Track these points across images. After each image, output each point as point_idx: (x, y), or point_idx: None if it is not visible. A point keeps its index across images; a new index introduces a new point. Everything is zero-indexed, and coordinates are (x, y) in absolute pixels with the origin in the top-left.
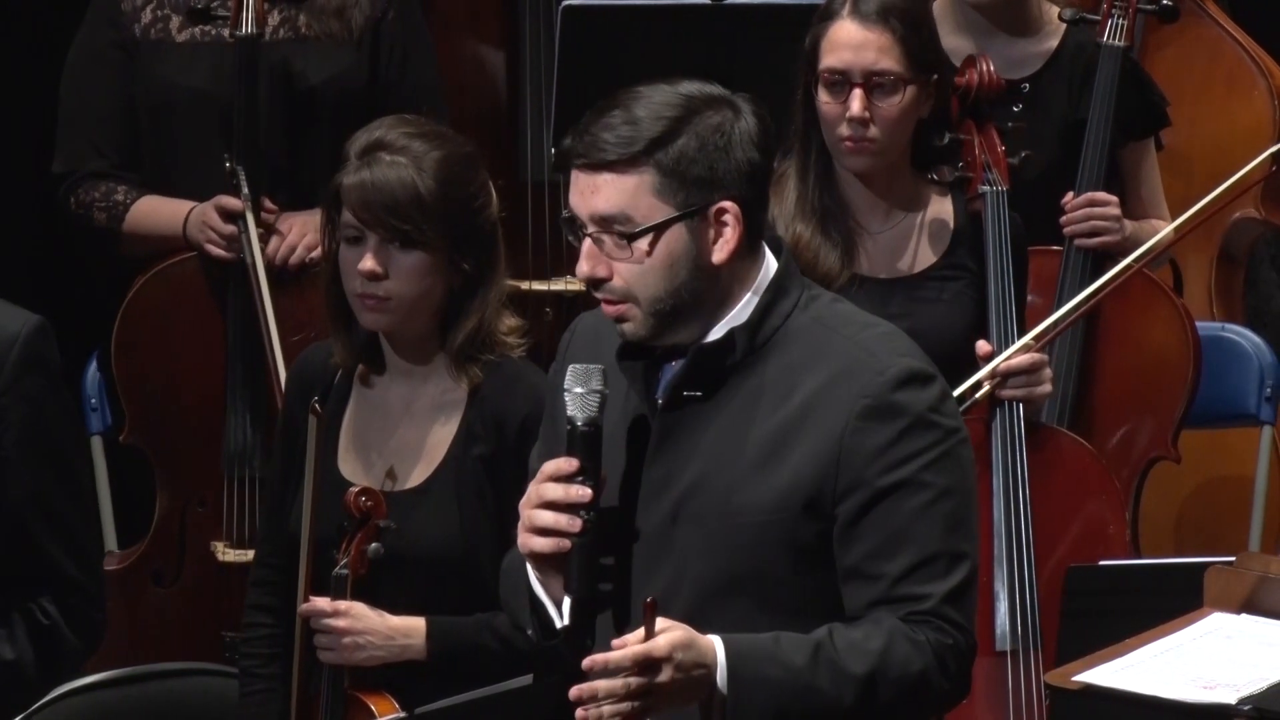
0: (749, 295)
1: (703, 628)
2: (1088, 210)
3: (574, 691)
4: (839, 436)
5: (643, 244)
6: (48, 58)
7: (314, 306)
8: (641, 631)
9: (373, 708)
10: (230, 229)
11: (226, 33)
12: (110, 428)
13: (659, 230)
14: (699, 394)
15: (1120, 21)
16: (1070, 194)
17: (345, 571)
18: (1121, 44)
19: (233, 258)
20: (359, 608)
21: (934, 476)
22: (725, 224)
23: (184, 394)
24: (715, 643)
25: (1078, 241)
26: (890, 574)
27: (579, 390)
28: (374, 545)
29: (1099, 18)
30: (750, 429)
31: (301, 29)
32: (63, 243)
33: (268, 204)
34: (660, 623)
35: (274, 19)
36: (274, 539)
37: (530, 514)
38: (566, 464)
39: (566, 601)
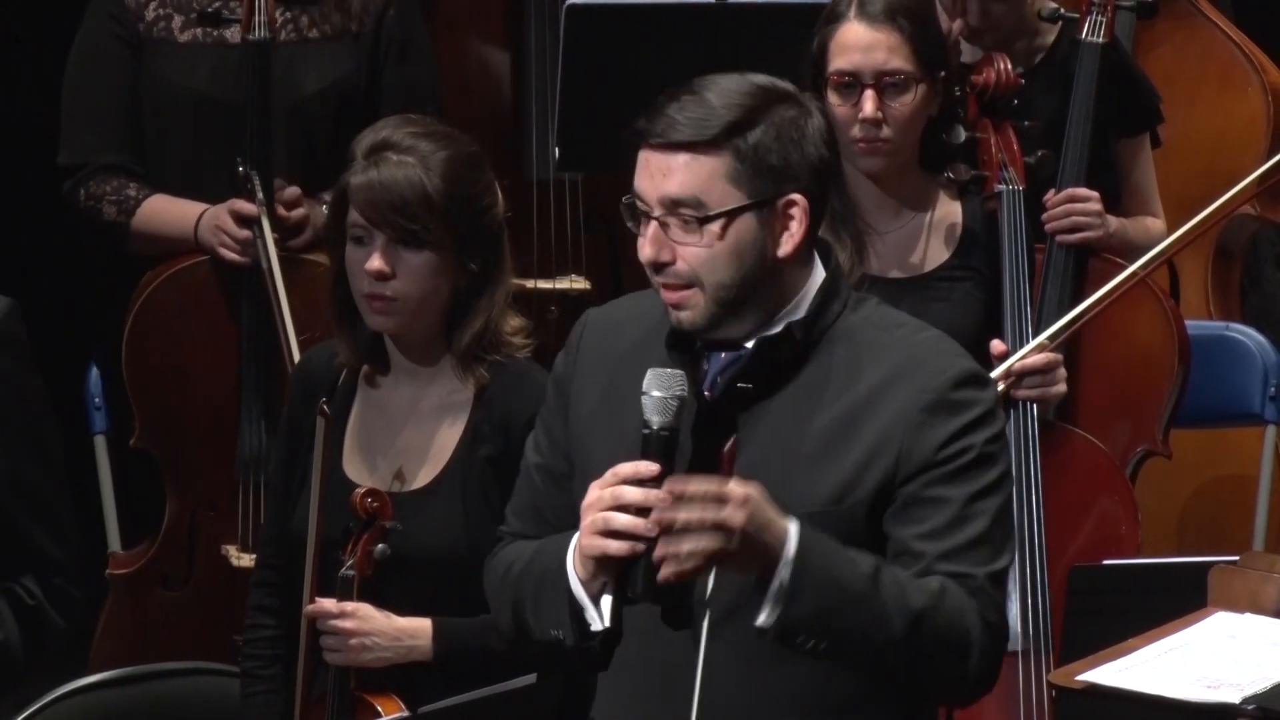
0: (803, 292)
1: (749, 617)
2: (1068, 206)
3: (653, 517)
4: (901, 431)
5: (714, 229)
6: (46, 58)
7: (321, 308)
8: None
9: (379, 708)
10: (245, 233)
11: (229, 34)
12: (111, 428)
13: (731, 216)
14: (749, 386)
15: (1099, 19)
16: (1052, 190)
17: (352, 573)
18: (1101, 40)
19: (247, 262)
20: (365, 609)
21: (987, 471)
22: (793, 217)
23: (195, 398)
24: (791, 523)
25: (1059, 238)
26: (936, 551)
27: (658, 394)
28: (380, 546)
29: (1078, 15)
30: (804, 423)
31: (305, 31)
32: (65, 242)
33: (281, 210)
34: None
35: (278, 20)
36: (277, 540)
37: (606, 516)
38: (647, 468)
39: (606, 601)
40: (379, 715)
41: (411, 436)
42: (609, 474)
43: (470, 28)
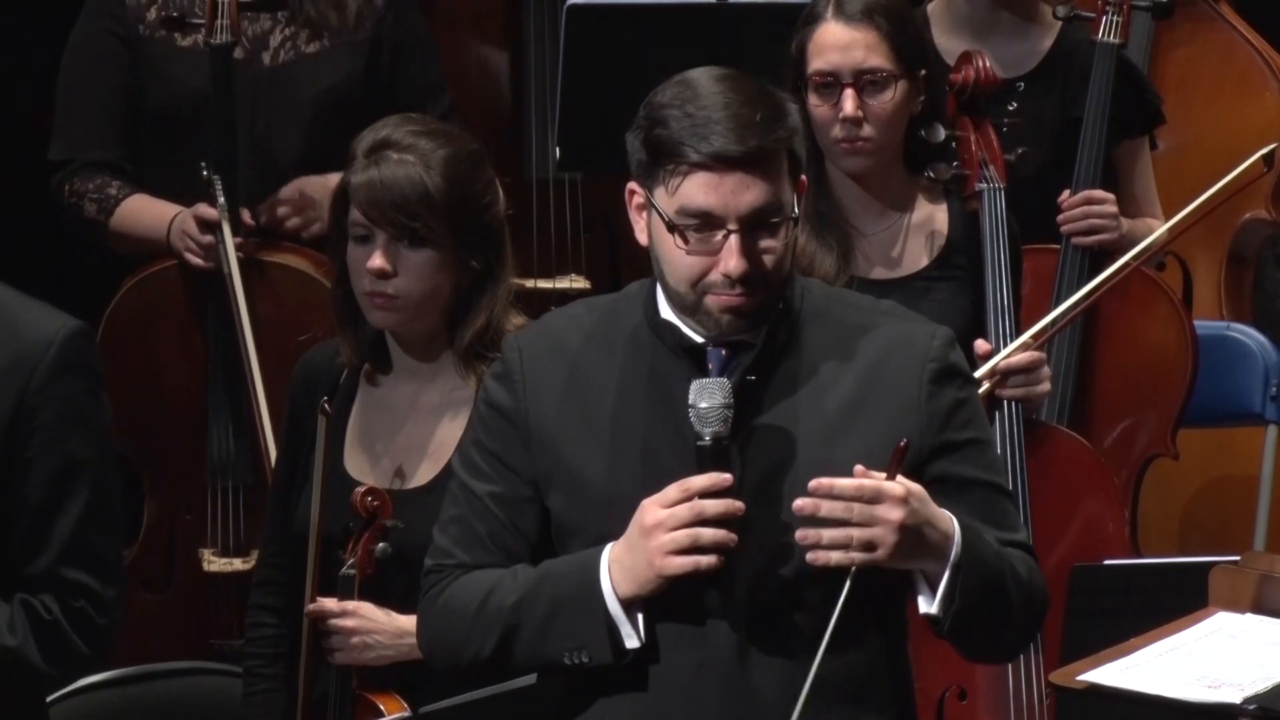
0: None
1: (790, 610)
2: (1085, 209)
3: (798, 504)
4: (918, 402)
5: (790, 225)
6: (48, 58)
7: (293, 316)
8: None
9: (381, 707)
10: (208, 238)
11: (214, 40)
12: None
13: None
14: (754, 378)
15: (1115, 19)
16: (1066, 192)
17: (353, 571)
18: (1116, 41)
19: (210, 267)
20: (366, 607)
21: (986, 429)
22: (801, 201)
23: (167, 402)
24: (948, 514)
25: (1075, 240)
26: (994, 533)
27: (704, 406)
28: (381, 545)
29: (1093, 15)
30: (807, 408)
31: (303, 47)
32: (60, 250)
33: (246, 216)
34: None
35: (275, 39)
36: (279, 539)
37: (693, 533)
38: (721, 479)
39: (640, 618)
40: (381, 714)
41: (413, 434)
42: (675, 489)
43: (470, 27)
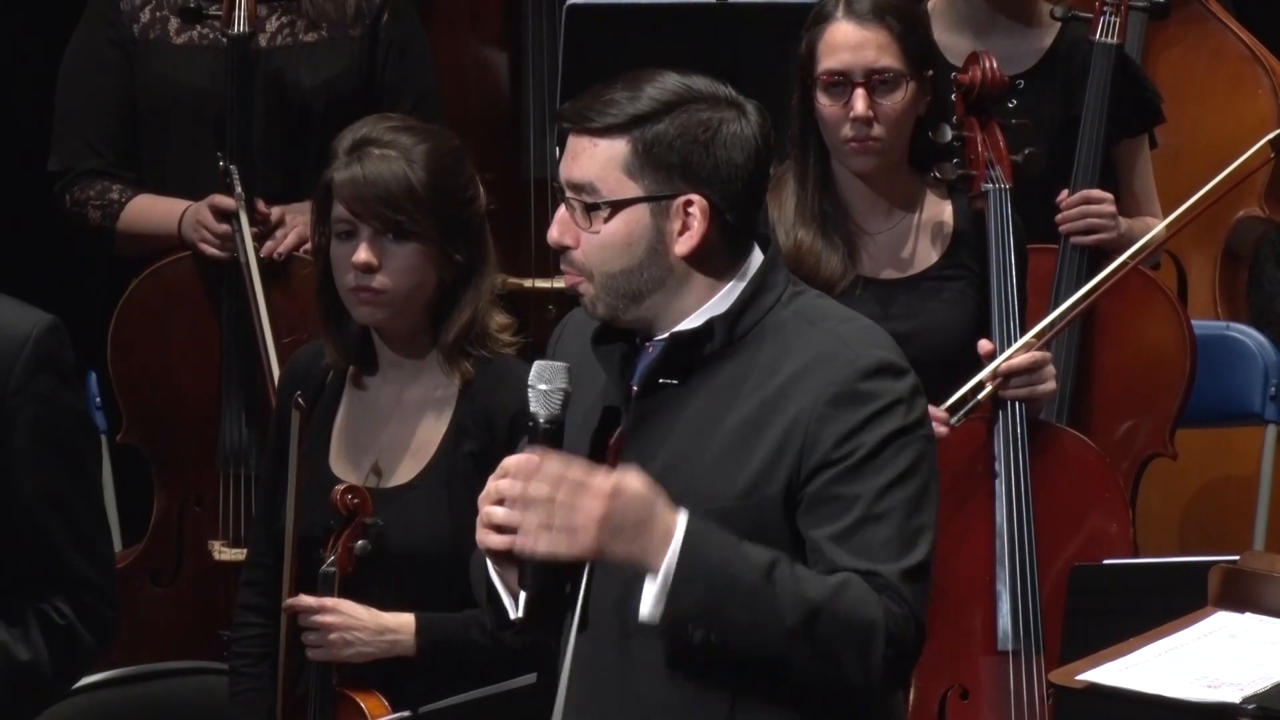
0: (730, 287)
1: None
2: (1083, 208)
3: (503, 484)
4: (805, 423)
5: (602, 217)
6: (46, 58)
7: (307, 306)
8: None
9: (362, 705)
10: (224, 228)
11: (231, 31)
12: (112, 428)
13: (617, 207)
14: (674, 382)
15: (1113, 19)
16: (1065, 192)
17: (333, 569)
18: (1114, 41)
19: (226, 257)
20: (346, 604)
21: (894, 461)
22: (691, 217)
23: (180, 393)
24: (680, 515)
25: (1073, 239)
26: (844, 552)
27: (542, 387)
28: (360, 543)
29: (1090, 16)
30: (724, 418)
31: (300, 35)
32: (63, 247)
33: (261, 205)
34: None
35: (272, 24)
36: (266, 539)
37: (486, 510)
38: (523, 462)
39: (523, 594)
40: (362, 712)
41: (396, 432)
42: (499, 468)
43: (469, 27)
